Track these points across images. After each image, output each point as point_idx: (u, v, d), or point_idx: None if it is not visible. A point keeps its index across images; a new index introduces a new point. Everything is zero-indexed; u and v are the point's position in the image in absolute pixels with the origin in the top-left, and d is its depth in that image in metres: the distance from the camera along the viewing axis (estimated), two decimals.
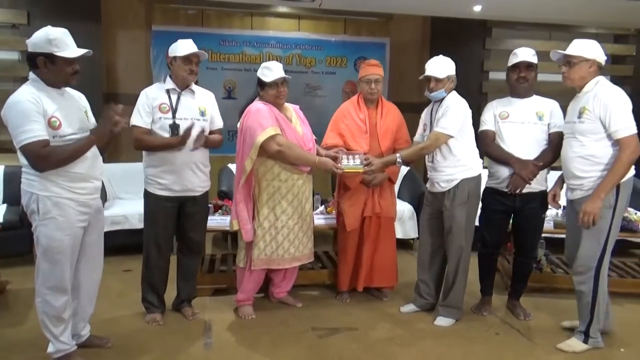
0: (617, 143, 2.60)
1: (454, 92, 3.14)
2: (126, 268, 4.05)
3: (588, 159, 2.67)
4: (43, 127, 2.22)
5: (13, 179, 4.31)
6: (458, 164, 3.06)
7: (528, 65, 3.05)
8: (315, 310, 3.36)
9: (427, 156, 3.17)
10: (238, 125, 3.12)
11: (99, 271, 2.65)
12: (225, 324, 3.12)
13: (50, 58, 2.25)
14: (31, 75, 2.32)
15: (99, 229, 2.58)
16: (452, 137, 3.01)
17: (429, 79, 3.06)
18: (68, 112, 2.35)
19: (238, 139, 3.10)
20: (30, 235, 3.85)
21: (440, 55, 3.17)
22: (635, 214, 3.84)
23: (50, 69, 2.27)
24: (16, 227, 3.92)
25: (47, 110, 2.25)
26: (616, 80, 7.34)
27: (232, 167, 4.83)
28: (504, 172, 3.07)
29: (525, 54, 3.06)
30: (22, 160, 2.29)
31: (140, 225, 3.91)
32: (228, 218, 3.60)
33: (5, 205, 4.23)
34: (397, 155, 3.13)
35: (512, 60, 3.11)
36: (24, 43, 5.47)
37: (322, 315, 3.28)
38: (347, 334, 3.03)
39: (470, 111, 3.10)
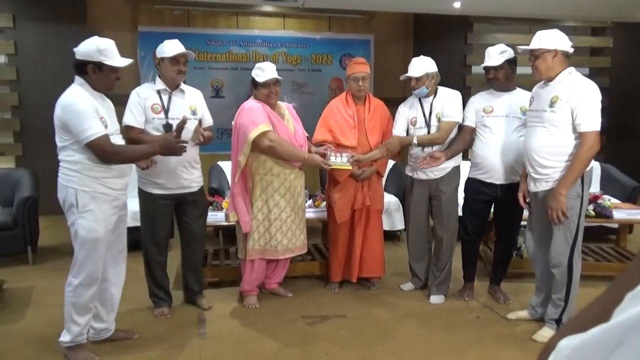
0: (579, 136, 2.66)
1: (444, 88, 3.36)
2: None
3: (555, 149, 2.71)
4: (101, 124, 2.42)
5: (5, 181, 4.37)
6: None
7: (494, 67, 3.17)
8: (305, 299, 3.48)
9: (420, 146, 3.33)
10: (232, 123, 3.23)
11: (124, 263, 2.79)
12: (218, 315, 3.24)
13: (99, 66, 2.46)
14: (78, 79, 2.50)
15: (123, 223, 2.72)
16: (459, 123, 3.32)
17: (410, 78, 3.27)
18: (109, 114, 2.58)
19: (232, 136, 3.22)
20: (23, 236, 4.03)
21: (420, 56, 3.37)
22: (609, 200, 4.00)
23: (98, 76, 2.49)
24: (10, 228, 4.00)
25: (98, 112, 2.44)
26: (595, 71, 7.55)
27: (222, 164, 4.93)
28: (489, 163, 3.20)
29: (490, 57, 3.18)
30: (63, 156, 2.46)
31: (134, 224, 4.03)
32: (219, 214, 3.72)
33: None
34: (414, 138, 3.31)
35: (484, 61, 3.24)
36: (10, 46, 5.58)
37: (312, 304, 3.41)
38: (336, 321, 3.16)
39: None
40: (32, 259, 4.12)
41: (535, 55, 2.75)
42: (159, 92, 3.01)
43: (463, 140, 3.32)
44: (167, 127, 2.97)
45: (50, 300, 3.39)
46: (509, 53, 3.16)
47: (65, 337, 2.58)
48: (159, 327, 3.05)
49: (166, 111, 3.00)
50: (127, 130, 2.95)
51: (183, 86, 3.11)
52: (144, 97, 2.98)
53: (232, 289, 3.58)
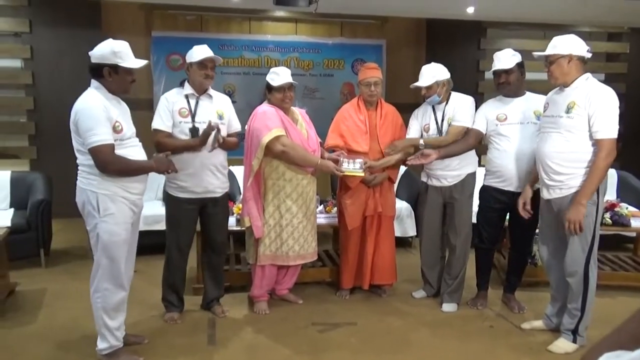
0: (595, 143, 2.62)
1: (457, 93, 3.34)
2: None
3: (570, 155, 2.66)
4: (110, 132, 2.43)
5: (20, 184, 4.42)
6: (465, 159, 3.29)
7: (505, 71, 3.13)
8: (316, 306, 3.45)
9: (428, 147, 3.29)
10: (246, 127, 3.23)
11: (133, 266, 2.78)
12: (229, 320, 3.22)
13: (114, 68, 2.48)
14: (94, 83, 2.52)
15: (136, 227, 2.73)
16: (468, 128, 3.25)
17: (420, 87, 3.27)
18: (125, 117, 2.59)
19: (245, 140, 3.21)
20: (36, 239, 4.05)
21: (431, 64, 3.35)
22: (627, 208, 3.92)
23: (114, 78, 2.50)
24: (23, 231, 4.03)
25: (112, 116, 2.46)
26: (611, 77, 7.44)
27: (233, 169, 4.92)
28: (507, 171, 3.15)
29: (500, 61, 3.13)
30: (82, 160, 2.47)
31: (147, 228, 4.06)
32: (230, 218, 3.70)
33: (12, 210, 4.33)
34: (421, 139, 3.31)
35: (493, 66, 3.20)
36: (26, 51, 5.66)
37: (323, 311, 3.38)
38: (347, 328, 3.13)
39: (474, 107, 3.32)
40: (45, 262, 4.15)
41: (550, 61, 2.71)
42: (187, 96, 3.03)
43: (466, 143, 3.25)
44: (194, 131, 2.98)
45: (63, 304, 3.40)
46: (518, 57, 3.13)
47: (101, 345, 2.58)
48: (170, 332, 3.04)
49: (193, 115, 3.01)
50: (155, 134, 2.99)
51: (211, 91, 3.12)
52: (172, 102, 3.01)
53: (242, 294, 3.56)
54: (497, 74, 3.17)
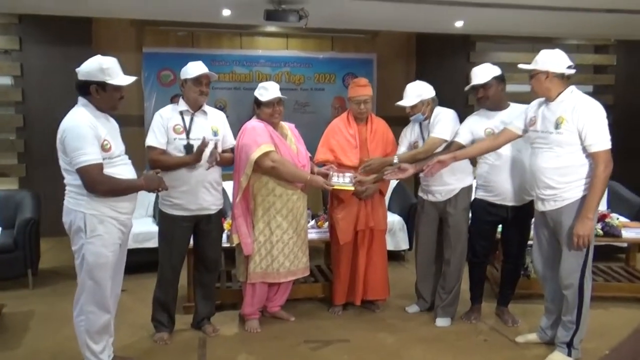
0: (590, 156, 2.64)
1: (439, 107, 3.33)
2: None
3: (563, 170, 2.68)
4: (99, 151, 2.38)
5: (7, 202, 4.35)
6: (457, 174, 3.27)
7: (482, 86, 3.13)
8: (308, 323, 3.41)
9: (404, 163, 3.27)
10: (235, 142, 3.21)
11: (120, 286, 2.72)
12: (219, 339, 3.17)
13: (102, 86, 2.43)
14: (82, 100, 2.47)
15: (125, 247, 2.67)
16: (446, 141, 3.22)
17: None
18: (114, 135, 2.55)
19: (235, 155, 3.19)
20: (23, 259, 3.98)
21: (416, 82, 3.38)
22: (617, 219, 3.93)
23: (101, 96, 2.45)
24: (10, 250, 3.96)
25: (101, 134, 2.42)
26: (599, 89, 7.52)
27: (224, 184, 4.89)
28: (500, 186, 3.15)
29: (477, 76, 3.14)
30: (70, 179, 2.43)
31: (137, 245, 4.01)
32: (223, 235, 3.67)
33: (0, 229, 4.27)
34: (395, 156, 3.31)
35: (470, 81, 3.20)
36: (16, 68, 5.63)
37: (315, 328, 3.33)
38: (339, 345, 3.09)
39: (458, 121, 3.29)
40: (33, 283, 4.07)
41: (531, 75, 2.78)
42: (181, 113, 3.02)
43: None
44: (188, 147, 2.96)
45: (50, 326, 3.34)
46: (497, 71, 3.13)
47: None
48: (160, 353, 2.98)
49: (188, 132, 3.00)
50: (149, 151, 2.96)
51: (205, 107, 3.11)
52: (167, 118, 2.98)
53: (234, 312, 3.51)
54: (475, 88, 3.18)
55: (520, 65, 2.84)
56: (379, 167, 3.33)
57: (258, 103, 3.20)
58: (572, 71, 2.72)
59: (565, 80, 2.74)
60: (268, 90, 3.17)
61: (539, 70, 2.72)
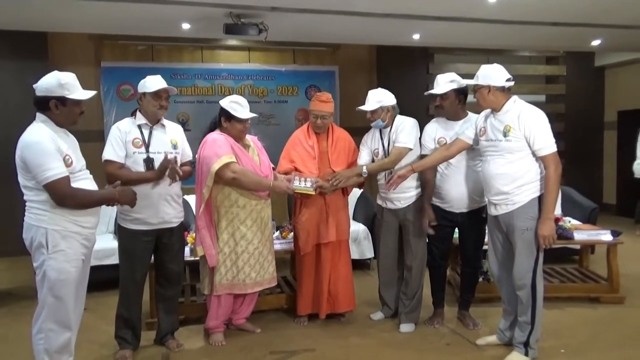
0: (540, 160, 2.78)
1: (400, 116, 3.41)
2: None
3: (513, 175, 2.80)
4: (63, 165, 2.34)
5: None
6: (416, 182, 3.36)
7: (440, 95, 3.23)
8: (274, 334, 3.41)
9: (384, 175, 3.37)
10: (196, 155, 3.20)
11: (83, 303, 2.64)
12: (184, 354, 3.12)
13: (62, 100, 2.40)
14: (40, 116, 2.43)
15: (88, 263, 2.61)
16: (411, 149, 3.31)
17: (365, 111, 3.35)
18: (74, 150, 2.51)
19: (196, 168, 3.18)
20: None
21: (377, 89, 3.45)
22: (569, 222, 4.10)
23: (61, 111, 2.42)
24: None
25: (62, 149, 2.37)
26: (551, 98, 7.86)
27: (187, 197, 4.84)
28: (448, 194, 3.27)
29: (438, 85, 3.24)
30: (30, 195, 2.37)
31: (97, 262, 3.91)
32: (185, 248, 3.63)
33: None
34: (363, 166, 3.37)
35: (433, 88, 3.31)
36: None
37: (281, 339, 3.33)
38: (305, 355, 3.10)
39: (419, 129, 3.39)
40: None
41: (474, 90, 2.91)
42: (139, 126, 2.99)
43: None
44: (148, 161, 2.94)
45: (4, 348, 3.21)
46: (457, 83, 3.21)
47: None
48: None
49: (147, 145, 2.97)
50: (106, 165, 2.90)
51: (164, 121, 3.09)
52: (125, 132, 2.95)
53: (198, 326, 3.48)
54: (434, 96, 3.28)
55: (466, 81, 2.98)
56: (349, 178, 3.39)
57: (229, 117, 3.20)
58: (511, 83, 2.86)
59: (507, 91, 2.87)
60: (243, 107, 3.18)
61: (481, 85, 2.86)
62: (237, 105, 3.18)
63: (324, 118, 3.43)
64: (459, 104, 3.25)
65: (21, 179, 2.39)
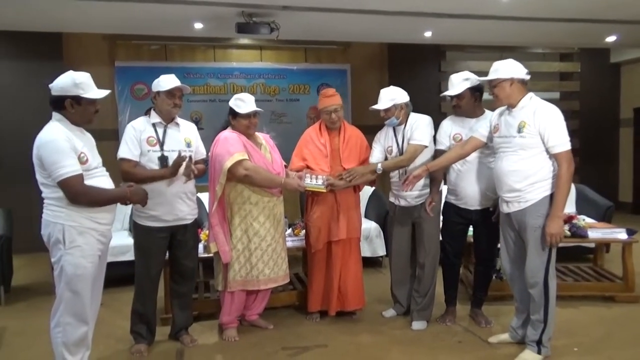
0: (553, 157, 2.76)
1: (414, 114, 3.41)
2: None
3: (526, 172, 2.79)
4: (77, 162, 2.40)
5: None
6: (427, 179, 3.34)
7: (457, 96, 3.23)
8: (286, 330, 3.43)
9: (399, 173, 3.37)
10: (209, 153, 3.24)
11: (100, 298, 2.70)
12: (197, 349, 3.16)
13: (77, 100, 2.46)
14: (56, 115, 2.49)
15: (104, 259, 2.67)
16: (426, 147, 3.30)
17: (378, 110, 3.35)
18: (90, 148, 2.57)
19: (209, 166, 3.22)
20: None
21: (390, 87, 3.44)
22: (584, 220, 4.06)
23: (76, 110, 2.48)
24: None
25: (77, 147, 2.43)
26: (565, 95, 7.77)
27: (200, 195, 4.89)
28: (463, 191, 3.26)
29: (453, 86, 3.23)
30: (48, 193, 2.43)
31: (113, 259, 3.97)
32: (200, 245, 3.67)
33: None
34: (379, 164, 3.37)
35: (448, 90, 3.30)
36: None
37: (293, 335, 3.36)
38: (317, 351, 3.12)
39: (433, 127, 3.38)
40: (5, 299, 4.00)
41: (493, 85, 2.87)
42: (154, 125, 3.03)
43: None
44: (163, 159, 2.98)
45: (23, 342, 3.29)
46: (472, 81, 3.20)
47: None
48: None
49: (161, 144, 3.01)
50: (121, 163, 2.95)
51: (178, 119, 3.13)
52: (140, 130, 2.99)
53: (211, 322, 3.52)
54: (450, 96, 3.28)
55: (483, 78, 2.96)
56: (364, 174, 3.40)
57: (234, 114, 3.24)
58: (529, 76, 2.87)
59: (525, 85, 2.86)
60: (245, 103, 3.21)
61: (502, 79, 2.82)
62: (240, 102, 3.21)
63: (336, 111, 3.44)
64: (475, 101, 3.25)
65: (38, 177, 2.45)
